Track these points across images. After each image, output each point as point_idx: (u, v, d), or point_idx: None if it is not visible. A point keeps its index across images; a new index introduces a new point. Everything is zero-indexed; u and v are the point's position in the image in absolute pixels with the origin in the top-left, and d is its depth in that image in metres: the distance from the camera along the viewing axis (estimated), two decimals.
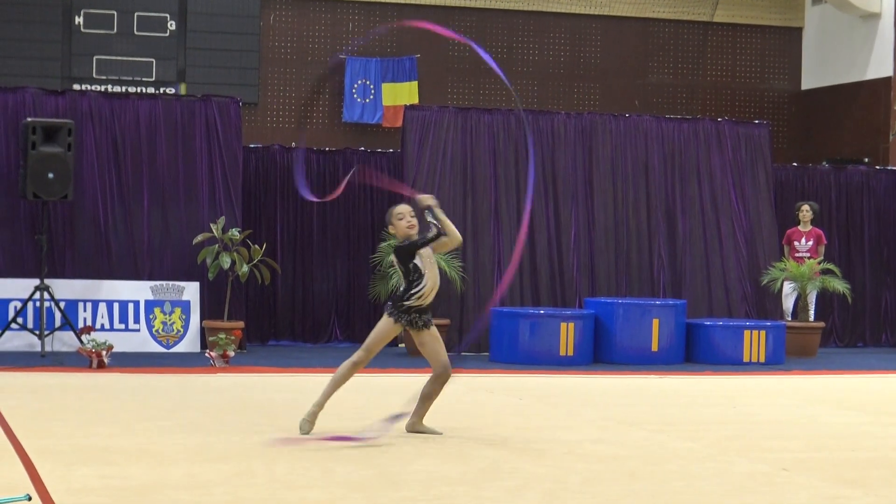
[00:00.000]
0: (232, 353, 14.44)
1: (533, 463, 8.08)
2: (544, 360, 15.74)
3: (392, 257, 9.05)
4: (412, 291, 8.47)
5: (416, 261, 8.47)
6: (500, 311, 16.52)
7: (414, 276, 8.45)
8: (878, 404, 12.53)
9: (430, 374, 8.93)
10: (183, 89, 23.73)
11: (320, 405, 8.65)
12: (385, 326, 8.67)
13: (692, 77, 27.68)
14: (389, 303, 8.70)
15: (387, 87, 25.36)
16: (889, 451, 9.23)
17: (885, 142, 25.22)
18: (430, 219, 8.51)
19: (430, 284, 8.47)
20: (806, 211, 18.42)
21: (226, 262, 15.53)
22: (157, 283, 16.05)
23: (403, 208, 8.57)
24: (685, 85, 27.54)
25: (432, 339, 8.76)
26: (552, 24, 26.98)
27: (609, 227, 18.23)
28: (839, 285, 17.76)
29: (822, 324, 18.29)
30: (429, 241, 8.41)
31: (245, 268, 15.66)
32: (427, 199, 8.62)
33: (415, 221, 8.42)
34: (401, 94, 25.02)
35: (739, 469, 8.26)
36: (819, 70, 27.94)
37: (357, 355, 8.65)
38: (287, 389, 12.72)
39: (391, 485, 7.17)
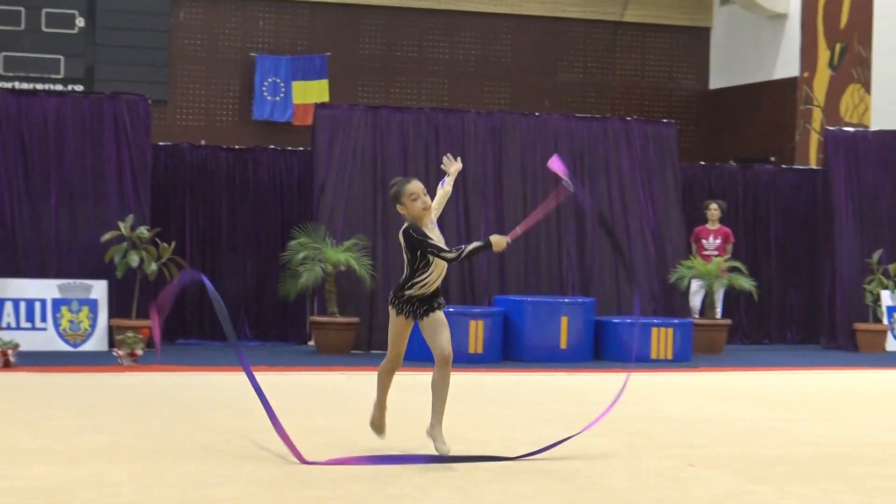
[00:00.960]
0: (140, 352, 14.37)
1: (443, 461, 8.09)
2: (454, 357, 15.75)
3: (400, 239, 7.85)
4: (415, 280, 7.72)
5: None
6: None
7: (421, 263, 7.68)
8: (783, 401, 12.80)
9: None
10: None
11: (380, 414, 8.21)
12: (393, 322, 7.99)
13: (602, 76, 28.02)
14: (392, 292, 7.91)
15: (297, 86, 25.57)
16: (795, 447, 9.44)
17: (791, 141, 25.74)
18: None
19: (436, 273, 7.75)
20: (714, 209, 18.66)
21: (134, 260, 15.48)
22: (65, 281, 15.96)
23: (416, 186, 7.63)
24: (594, 84, 27.84)
25: (432, 324, 7.92)
26: (462, 23, 27.18)
27: (519, 218, 18.32)
28: (746, 283, 18.05)
29: (728, 321, 18.52)
30: (456, 257, 7.70)
31: (153, 266, 15.65)
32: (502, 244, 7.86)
33: (429, 201, 7.61)
34: (311, 92, 25.19)
35: (647, 465, 8.30)
36: (727, 70, 28.43)
37: (385, 360, 8.12)
38: (196, 388, 12.69)
39: (300, 483, 7.21)
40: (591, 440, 9.32)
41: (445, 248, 7.52)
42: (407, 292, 7.70)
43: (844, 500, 7.32)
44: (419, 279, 7.60)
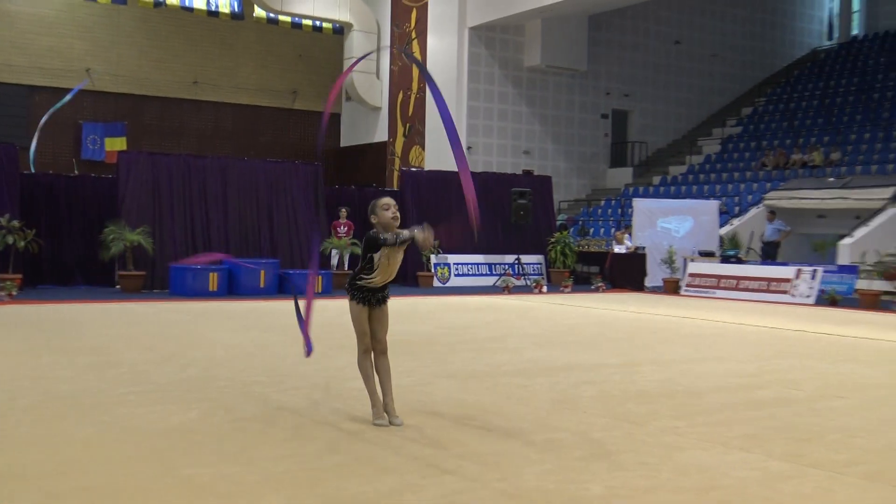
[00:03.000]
0: (15, 293, 14.62)
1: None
2: (201, 293, 16.05)
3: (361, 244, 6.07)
4: (362, 276, 5.86)
5: (376, 254, 5.80)
6: (177, 266, 16.20)
7: (367, 265, 5.83)
8: None
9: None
10: None
11: (375, 404, 5.83)
12: (352, 308, 5.94)
13: (280, 139, 29.57)
14: (347, 282, 6.00)
15: (108, 140, 25.91)
16: None
17: (384, 174, 27.62)
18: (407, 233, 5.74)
19: (379, 279, 5.83)
20: (343, 211, 18.93)
21: (10, 240, 15.72)
22: None
23: (389, 200, 5.99)
24: (279, 143, 29.26)
25: (379, 316, 5.94)
26: (205, 106, 27.78)
27: (238, 218, 18.44)
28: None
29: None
30: (395, 244, 5.68)
31: (22, 243, 15.88)
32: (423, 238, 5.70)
33: (398, 213, 5.86)
34: (116, 143, 25.61)
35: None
36: (350, 136, 30.28)
37: (358, 347, 5.92)
38: (49, 313, 12.57)
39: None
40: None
41: (388, 237, 5.71)
42: (358, 283, 5.88)
43: None
44: (365, 277, 5.83)
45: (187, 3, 27.67)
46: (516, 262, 21.08)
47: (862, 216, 20.18)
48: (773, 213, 21.12)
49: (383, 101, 28.73)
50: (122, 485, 4.23)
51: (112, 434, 5.21)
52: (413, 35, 27.64)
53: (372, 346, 5.89)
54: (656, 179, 28.29)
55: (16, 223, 16.00)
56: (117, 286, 16.93)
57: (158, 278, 17.19)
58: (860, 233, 19.34)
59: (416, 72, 27.29)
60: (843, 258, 18.95)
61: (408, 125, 27.79)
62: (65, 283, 17.78)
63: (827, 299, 16.79)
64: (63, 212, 18.01)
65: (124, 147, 25.24)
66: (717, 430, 5.61)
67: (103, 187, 18.37)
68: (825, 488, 4.41)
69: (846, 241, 19.36)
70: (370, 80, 28.89)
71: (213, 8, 28.00)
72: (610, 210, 26.65)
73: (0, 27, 25.54)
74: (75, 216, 18.08)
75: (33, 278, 17.02)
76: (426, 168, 25.36)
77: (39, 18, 26.09)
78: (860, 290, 17.01)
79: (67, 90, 23.82)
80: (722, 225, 21.64)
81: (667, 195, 25.41)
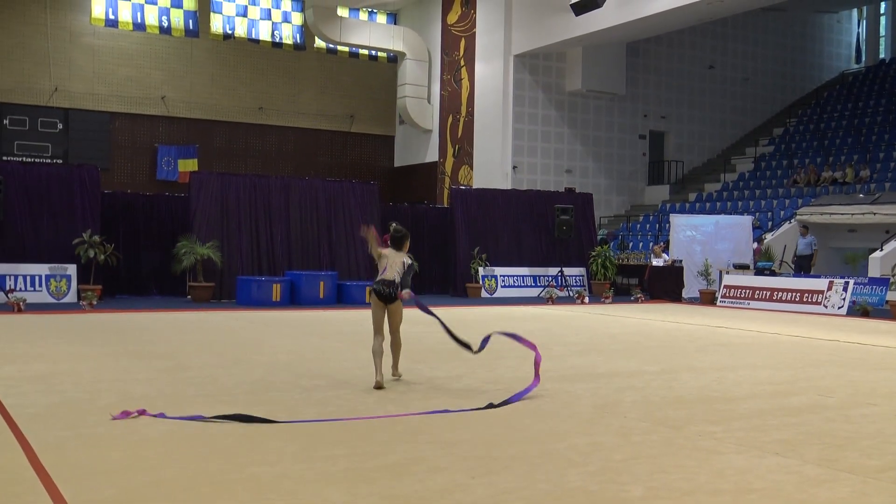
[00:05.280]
0: (95, 302, 14.76)
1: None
2: (265, 303, 16.17)
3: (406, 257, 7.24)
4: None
5: (383, 261, 7.12)
6: (243, 277, 16.56)
7: (380, 266, 7.09)
8: None
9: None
10: None
11: (377, 375, 6.92)
12: (372, 304, 7.11)
13: (339, 159, 29.42)
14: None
15: (181, 162, 26.24)
16: None
17: (435, 192, 27.65)
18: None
19: (387, 274, 6.97)
20: (394, 225, 19.71)
21: (91, 253, 15.93)
22: (52, 265, 16.04)
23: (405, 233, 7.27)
24: (337, 164, 29.15)
25: (394, 309, 7.08)
26: (268, 130, 27.90)
27: (300, 233, 18.42)
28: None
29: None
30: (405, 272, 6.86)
31: (102, 257, 16.05)
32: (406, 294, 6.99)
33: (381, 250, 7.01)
34: (188, 164, 25.94)
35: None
36: (403, 156, 30.35)
37: (374, 333, 7.03)
38: (126, 321, 12.67)
39: None
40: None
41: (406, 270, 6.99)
42: (376, 282, 7.02)
43: None
44: (378, 276, 7.00)
45: (254, 36, 28.01)
46: (559, 274, 20.97)
47: (891, 230, 19.77)
48: (805, 228, 20.75)
49: (434, 124, 28.82)
50: (194, 481, 4.25)
51: (183, 433, 5.25)
52: (462, 63, 27.68)
53: (391, 330, 7.19)
54: (692, 196, 27.96)
55: (97, 238, 16.24)
56: (188, 296, 17.06)
57: (226, 289, 17.31)
58: (890, 246, 18.97)
59: (464, 96, 27.33)
60: (874, 271, 18.55)
61: (457, 146, 27.80)
62: (140, 293, 18.01)
63: (858, 310, 16.41)
64: (140, 227, 18.21)
65: (196, 168, 25.44)
66: (752, 435, 5.51)
67: (176, 205, 18.57)
68: (859, 492, 4.31)
69: (877, 254, 18.96)
70: (422, 105, 29.00)
71: (278, 40, 28.22)
72: (648, 225, 26.45)
73: (84, 60, 25.98)
74: (151, 232, 18.24)
75: (112, 289, 17.24)
76: (474, 186, 25.41)
77: (120, 51, 26.53)
78: (891, 301, 16.61)
79: (146, 116, 24.30)
80: (755, 239, 21.24)
81: (702, 211, 25.05)
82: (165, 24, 26.38)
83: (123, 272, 17.74)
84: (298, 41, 28.68)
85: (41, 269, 16.07)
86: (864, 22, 35.21)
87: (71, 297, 15.92)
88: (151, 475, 4.34)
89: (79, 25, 25.93)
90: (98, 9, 25.64)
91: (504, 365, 8.43)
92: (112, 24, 25.79)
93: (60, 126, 25.57)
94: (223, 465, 4.55)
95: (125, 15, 25.98)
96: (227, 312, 14.63)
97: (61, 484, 4.08)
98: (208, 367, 7.98)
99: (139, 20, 26.09)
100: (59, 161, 24.56)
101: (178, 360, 8.45)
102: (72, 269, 16.22)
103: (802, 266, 20.37)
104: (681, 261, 20.18)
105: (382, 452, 4.88)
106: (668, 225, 21.93)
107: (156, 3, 26.30)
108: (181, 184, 24.82)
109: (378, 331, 7.05)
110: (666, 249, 21.07)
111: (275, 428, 5.45)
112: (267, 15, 28.13)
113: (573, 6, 22.65)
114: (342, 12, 28.69)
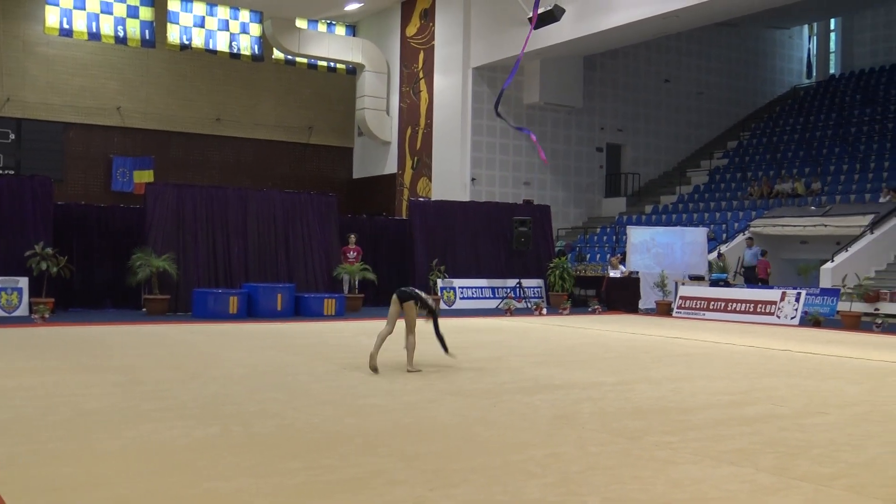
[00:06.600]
0: (48, 315, 14.58)
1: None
2: (222, 315, 15.96)
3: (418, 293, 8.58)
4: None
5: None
6: (200, 290, 16.34)
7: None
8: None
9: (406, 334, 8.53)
10: None
11: (372, 357, 8.19)
12: (391, 302, 8.43)
13: (297, 172, 29.22)
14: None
15: (136, 173, 25.97)
16: None
17: (393, 204, 27.68)
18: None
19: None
20: (352, 237, 19.08)
21: (43, 266, 15.76)
22: (3, 277, 15.70)
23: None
24: (294, 176, 28.97)
25: (408, 308, 8.39)
26: (225, 141, 27.58)
27: (257, 245, 18.29)
28: (370, 275, 18.45)
29: (362, 295, 18.67)
30: (426, 306, 8.42)
31: (54, 269, 15.87)
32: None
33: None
34: (144, 176, 25.65)
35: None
36: (362, 168, 30.33)
37: (386, 324, 8.42)
38: (80, 334, 12.45)
39: None
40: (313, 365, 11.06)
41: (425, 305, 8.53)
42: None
43: None
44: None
45: (211, 46, 27.83)
46: (517, 285, 21.05)
47: (842, 242, 20.12)
48: (751, 240, 21.35)
49: (393, 136, 28.85)
50: (150, 497, 4.22)
51: (139, 448, 5.20)
52: (420, 75, 27.72)
53: (406, 328, 8.21)
54: (648, 208, 28.29)
55: (49, 250, 16.04)
56: (143, 309, 16.84)
57: (182, 302, 17.13)
58: (841, 258, 19.30)
59: (423, 108, 27.38)
60: (826, 281, 18.90)
61: (416, 158, 27.85)
62: (94, 306, 17.79)
63: (810, 320, 16.70)
64: (94, 239, 17.99)
65: (151, 179, 25.15)
66: (708, 444, 5.57)
67: (131, 217, 18.40)
68: (812, 500, 4.38)
69: (828, 265, 19.34)
70: (380, 117, 29.01)
71: (236, 50, 28.11)
72: (605, 237, 26.67)
73: (38, 69, 25.58)
74: (105, 244, 18.03)
75: (65, 302, 17.04)
76: (433, 198, 25.42)
77: (74, 61, 26.15)
78: (842, 311, 16.95)
79: (101, 127, 23.90)
80: (710, 251, 21.53)
81: (658, 223, 25.38)
82: (121, 34, 26.11)
83: (77, 285, 17.55)
84: (256, 52, 28.56)
85: None
86: (815, 38, 36.01)
87: (22, 310, 15.67)
88: (106, 491, 4.30)
89: (32, 35, 25.57)
90: (52, 18, 25.34)
91: (463, 377, 8.44)
92: (66, 33, 25.51)
93: (13, 136, 25.21)
94: (179, 479, 4.51)
95: (80, 25, 25.68)
96: (184, 325, 14.55)
97: (12, 502, 4.04)
98: (164, 381, 7.91)
99: (94, 30, 25.80)
100: (11, 172, 24.21)
101: (134, 374, 8.37)
102: (23, 282, 15.94)
103: (749, 277, 20.70)
104: (637, 272, 20.33)
105: (341, 466, 4.86)
106: (624, 237, 22.12)
107: (112, 13, 26.03)
108: (137, 195, 24.59)
109: (389, 322, 8.19)
110: (623, 261, 21.25)
111: (231, 441, 5.42)
112: (225, 26, 27.96)
113: (530, 20, 22.77)
114: (301, 24, 28.72)
